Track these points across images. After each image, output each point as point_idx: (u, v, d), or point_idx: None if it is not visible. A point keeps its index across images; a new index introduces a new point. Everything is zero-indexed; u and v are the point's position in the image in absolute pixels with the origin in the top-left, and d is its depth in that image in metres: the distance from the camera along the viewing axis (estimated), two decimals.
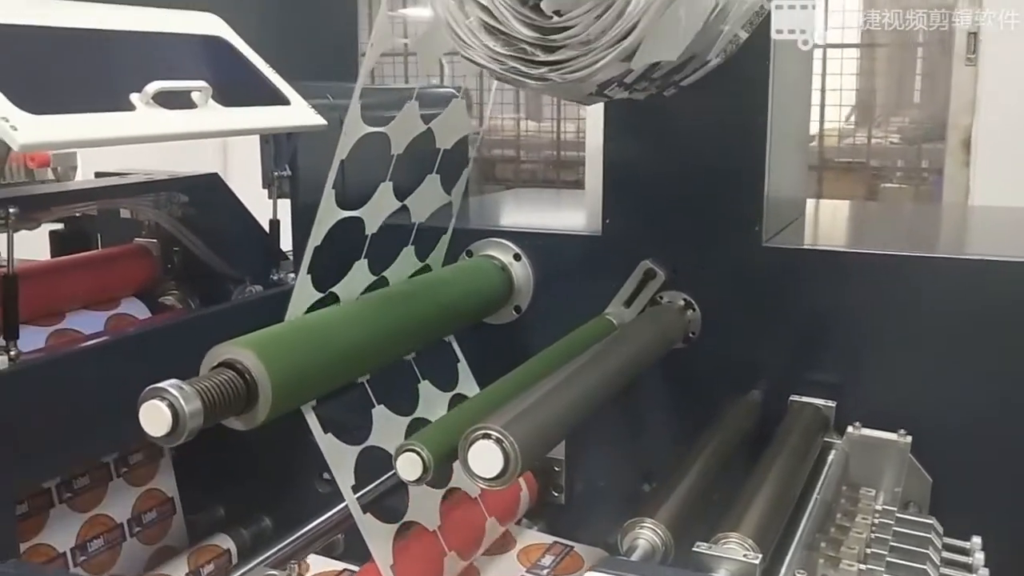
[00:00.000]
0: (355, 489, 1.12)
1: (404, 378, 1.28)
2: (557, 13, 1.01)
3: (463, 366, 1.39)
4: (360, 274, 1.21)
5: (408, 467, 0.95)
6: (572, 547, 1.47)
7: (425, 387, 1.29)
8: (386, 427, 1.19)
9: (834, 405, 1.35)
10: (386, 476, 1.31)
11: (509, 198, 2.42)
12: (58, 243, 1.82)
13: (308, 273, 1.10)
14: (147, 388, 0.87)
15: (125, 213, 1.66)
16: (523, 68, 1.04)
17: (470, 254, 1.53)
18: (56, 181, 2.30)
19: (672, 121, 1.38)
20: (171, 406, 0.86)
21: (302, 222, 1.51)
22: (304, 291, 1.11)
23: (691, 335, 1.42)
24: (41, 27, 1.15)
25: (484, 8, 1.04)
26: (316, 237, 1.09)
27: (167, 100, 1.16)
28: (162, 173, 1.64)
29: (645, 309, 1.42)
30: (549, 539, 1.50)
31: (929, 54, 3.67)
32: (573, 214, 2.08)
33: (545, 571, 1.42)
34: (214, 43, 1.40)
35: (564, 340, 1.29)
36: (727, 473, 1.24)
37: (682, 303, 1.42)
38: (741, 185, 1.37)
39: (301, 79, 1.43)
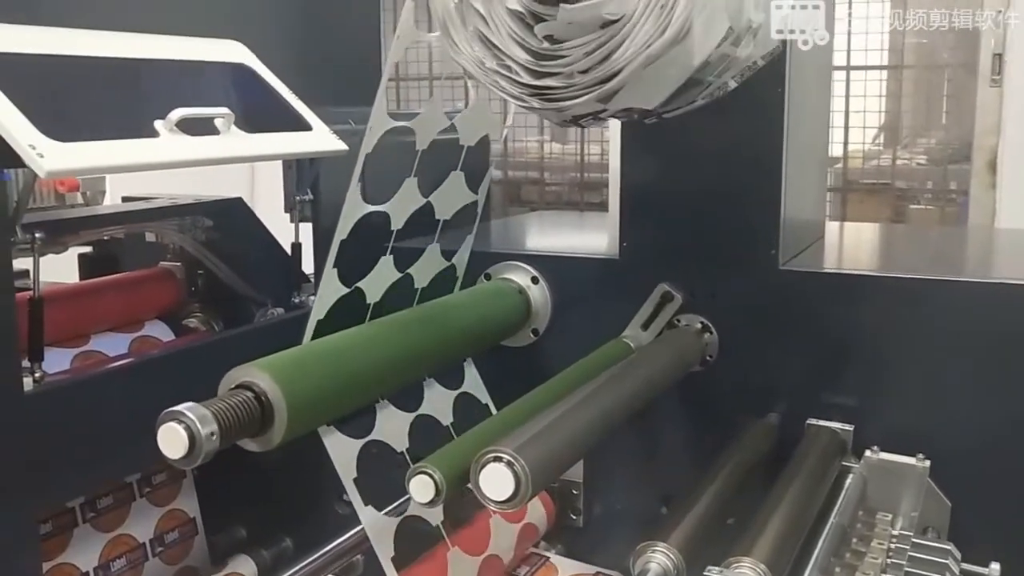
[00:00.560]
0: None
1: None
2: (549, 39, 1.02)
3: (469, 365, 1.39)
4: (386, 269, 1.22)
5: (421, 489, 0.95)
6: None
7: (430, 384, 1.29)
8: (390, 423, 1.19)
9: (852, 429, 1.34)
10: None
11: (531, 220, 2.43)
12: (87, 266, 1.86)
13: (334, 267, 1.11)
14: (164, 411, 0.89)
15: (150, 237, 1.69)
16: (505, 85, 1.06)
17: (488, 277, 1.54)
18: (85, 205, 2.34)
19: (688, 144, 1.39)
20: (187, 428, 0.87)
21: (323, 246, 1.53)
22: (330, 285, 1.12)
23: (708, 358, 1.42)
24: (66, 56, 1.17)
25: (483, 20, 1.06)
26: (342, 231, 1.10)
27: (190, 127, 1.18)
28: (187, 197, 1.67)
29: (663, 332, 1.42)
30: (591, 569, 1.46)
31: (955, 75, 3.65)
32: (594, 236, 2.09)
33: None
34: (237, 70, 1.42)
35: (581, 363, 1.30)
36: (743, 496, 1.24)
37: (699, 326, 1.42)
38: (757, 208, 1.38)
39: (323, 105, 1.45)
